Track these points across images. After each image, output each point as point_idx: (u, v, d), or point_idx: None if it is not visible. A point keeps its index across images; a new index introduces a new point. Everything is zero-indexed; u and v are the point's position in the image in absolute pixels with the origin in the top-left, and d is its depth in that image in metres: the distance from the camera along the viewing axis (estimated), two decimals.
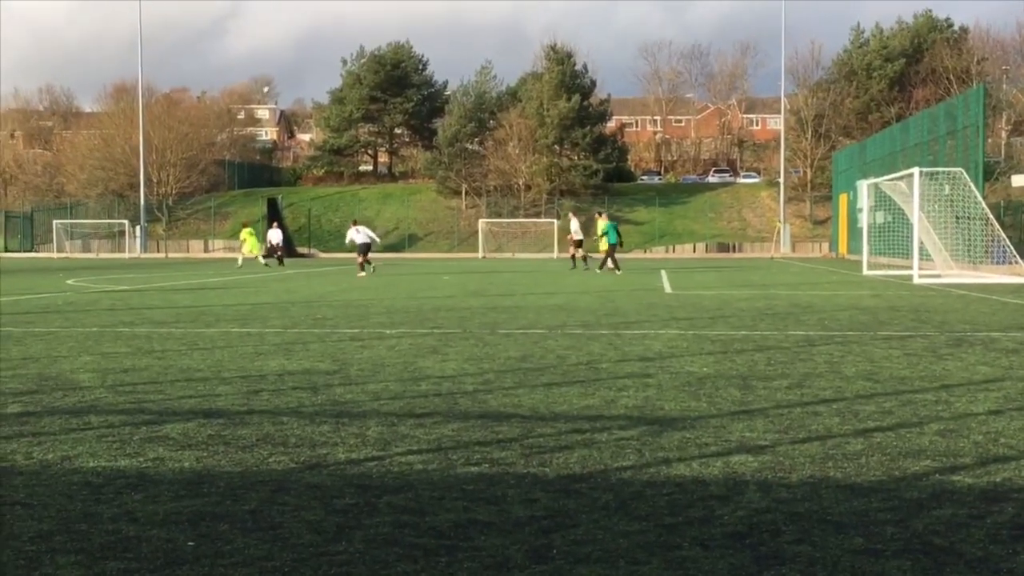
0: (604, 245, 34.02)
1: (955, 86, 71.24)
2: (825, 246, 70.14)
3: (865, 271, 33.57)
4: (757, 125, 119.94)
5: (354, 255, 34.05)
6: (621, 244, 34.91)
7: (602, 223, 34.98)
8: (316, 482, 5.32)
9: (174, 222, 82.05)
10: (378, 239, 43.50)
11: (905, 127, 47.99)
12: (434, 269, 38.94)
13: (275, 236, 46.56)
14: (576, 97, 78.76)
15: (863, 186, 39.69)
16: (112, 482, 5.31)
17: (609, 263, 34.02)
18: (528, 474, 5.46)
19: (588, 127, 79.40)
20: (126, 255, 69.65)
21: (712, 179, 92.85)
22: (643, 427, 6.76)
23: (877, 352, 10.96)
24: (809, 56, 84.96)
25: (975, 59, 75.30)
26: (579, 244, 38.41)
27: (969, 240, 32.54)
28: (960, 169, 32.49)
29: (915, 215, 28.99)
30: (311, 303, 19.20)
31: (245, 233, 43.49)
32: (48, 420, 7.04)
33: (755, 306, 18.19)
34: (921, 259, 28.97)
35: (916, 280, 27.05)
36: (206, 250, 77.59)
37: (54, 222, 74.70)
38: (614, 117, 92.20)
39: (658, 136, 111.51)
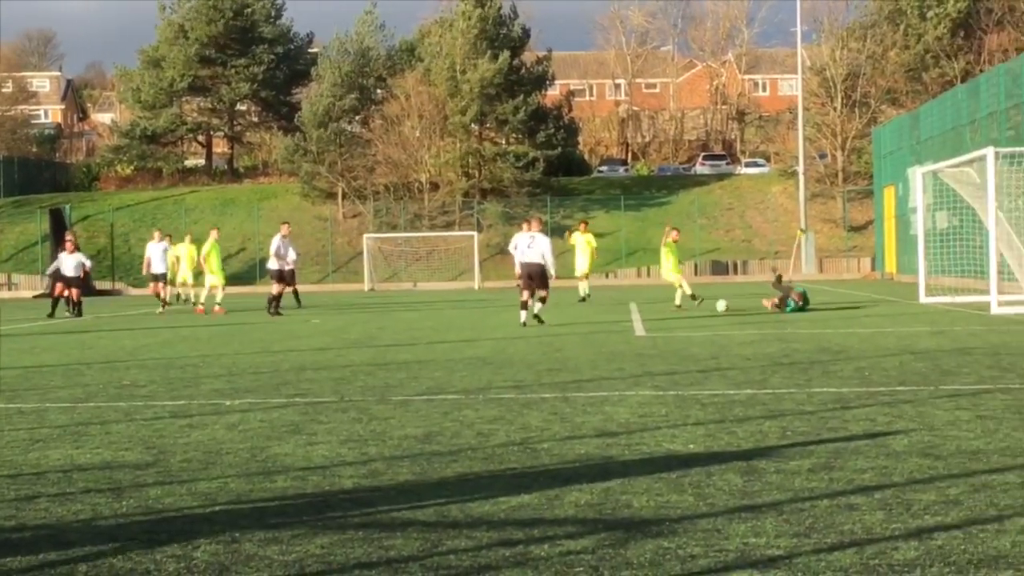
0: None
1: None
2: (866, 263, 70.86)
3: (922, 298, 33.89)
4: (764, 91, 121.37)
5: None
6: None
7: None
8: None
9: None
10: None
11: (975, 89, 48.64)
12: (297, 309, 38.72)
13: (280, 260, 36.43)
14: (504, 54, 78.83)
15: (917, 175, 40.15)
16: None
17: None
18: None
19: (521, 96, 79.43)
20: None
21: (702, 169, 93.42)
22: (601, 534, 6.75)
23: (939, 416, 11.08)
24: None
25: None
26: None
27: None
28: None
29: (990, 216, 29.29)
30: (115, 364, 18.96)
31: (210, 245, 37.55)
32: None
33: (765, 352, 18.30)
34: (1002, 279, 29.24)
35: (995, 309, 27.35)
36: None
37: None
38: (557, 82, 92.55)
39: (622, 108, 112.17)
